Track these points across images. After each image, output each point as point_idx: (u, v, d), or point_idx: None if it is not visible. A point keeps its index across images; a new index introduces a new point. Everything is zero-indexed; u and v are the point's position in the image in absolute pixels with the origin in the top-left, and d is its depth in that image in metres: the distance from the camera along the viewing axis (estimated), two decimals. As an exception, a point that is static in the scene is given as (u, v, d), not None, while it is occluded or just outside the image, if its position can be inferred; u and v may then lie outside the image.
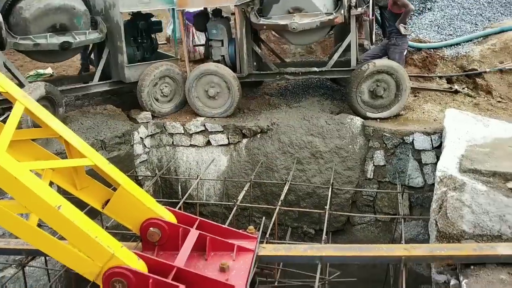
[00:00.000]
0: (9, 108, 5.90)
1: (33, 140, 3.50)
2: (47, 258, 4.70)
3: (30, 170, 2.85)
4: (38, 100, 5.77)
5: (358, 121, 6.72)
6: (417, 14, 9.15)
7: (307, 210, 6.31)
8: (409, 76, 6.88)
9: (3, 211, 2.76)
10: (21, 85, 6.29)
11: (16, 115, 3.10)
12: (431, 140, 6.25)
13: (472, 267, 3.63)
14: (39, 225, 3.06)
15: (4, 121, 3.15)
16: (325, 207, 5.21)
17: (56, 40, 6.49)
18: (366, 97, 6.79)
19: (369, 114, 6.81)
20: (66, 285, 5.38)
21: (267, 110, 7.47)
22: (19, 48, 6.44)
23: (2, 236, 4.98)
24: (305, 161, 6.76)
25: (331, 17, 6.66)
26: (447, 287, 3.74)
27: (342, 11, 6.59)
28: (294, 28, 6.70)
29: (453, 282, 3.72)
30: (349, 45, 6.84)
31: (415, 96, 7.56)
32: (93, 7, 7.26)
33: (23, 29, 6.30)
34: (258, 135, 7.00)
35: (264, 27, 7.10)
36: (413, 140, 6.34)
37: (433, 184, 6.24)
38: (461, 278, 3.59)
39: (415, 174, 6.43)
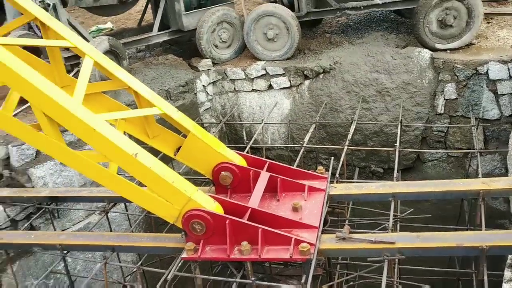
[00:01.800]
0: (77, 64, 6.16)
1: (103, 92, 3.62)
2: (127, 204, 4.97)
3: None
4: (103, 55, 5.92)
5: (426, 53, 6.36)
6: None
7: (375, 148, 6.19)
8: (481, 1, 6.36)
9: (85, 161, 2.91)
10: (85, 40, 6.43)
11: (87, 69, 3.18)
12: (508, 68, 5.82)
13: (558, 199, 3.45)
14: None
15: (75, 77, 3.25)
16: (395, 144, 5.08)
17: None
18: (435, 28, 6.36)
19: (438, 46, 6.40)
20: (145, 229, 5.71)
21: (328, 49, 7.22)
22: (81, 4, 6.61)
23: (83, 186, 5.33)
24: (371, 99, 6.56)
25: None
26: (529, 221, 3.58)
27: None
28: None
29: (536, 215, 3.56)
30: (414, -28, 6.38)
31: (488, 22, 7.00)
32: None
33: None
34: (321, 76, 6.84)
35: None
36: (487, 70, 5.93)
37: (510, 116, 5.90)
38: (545, 211, 3.43)
39: (490, 106, 6.07)
